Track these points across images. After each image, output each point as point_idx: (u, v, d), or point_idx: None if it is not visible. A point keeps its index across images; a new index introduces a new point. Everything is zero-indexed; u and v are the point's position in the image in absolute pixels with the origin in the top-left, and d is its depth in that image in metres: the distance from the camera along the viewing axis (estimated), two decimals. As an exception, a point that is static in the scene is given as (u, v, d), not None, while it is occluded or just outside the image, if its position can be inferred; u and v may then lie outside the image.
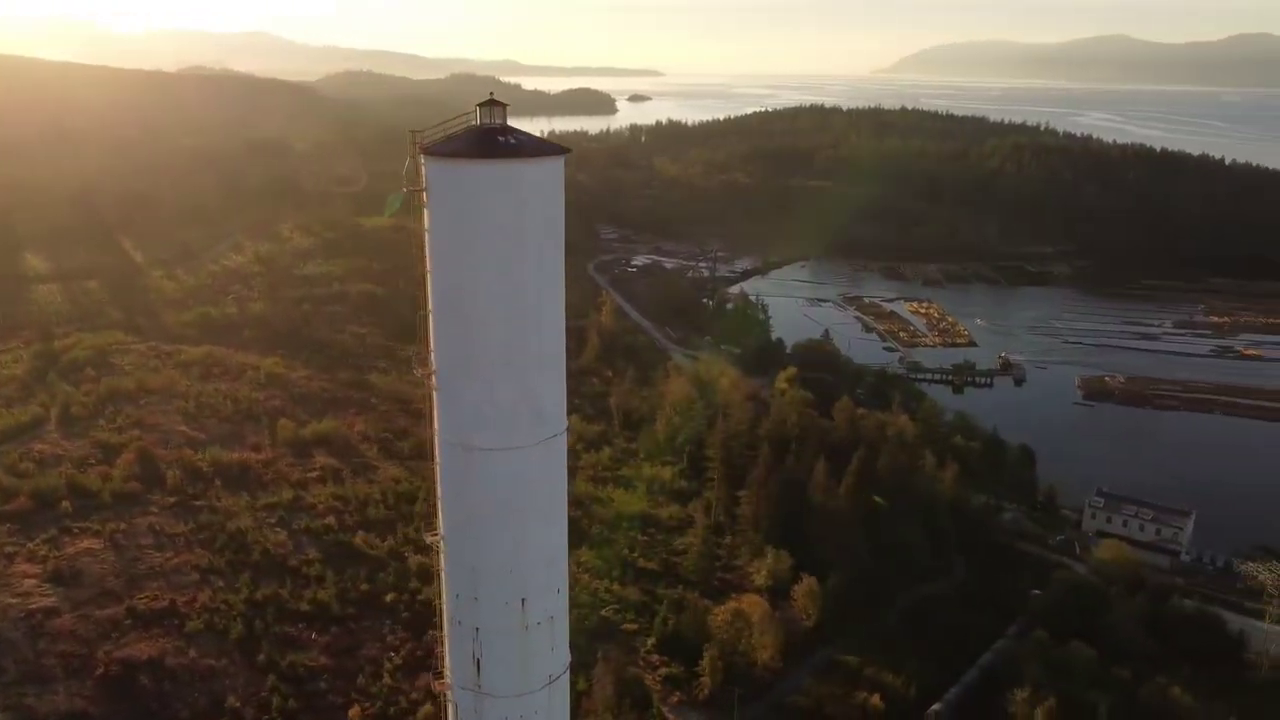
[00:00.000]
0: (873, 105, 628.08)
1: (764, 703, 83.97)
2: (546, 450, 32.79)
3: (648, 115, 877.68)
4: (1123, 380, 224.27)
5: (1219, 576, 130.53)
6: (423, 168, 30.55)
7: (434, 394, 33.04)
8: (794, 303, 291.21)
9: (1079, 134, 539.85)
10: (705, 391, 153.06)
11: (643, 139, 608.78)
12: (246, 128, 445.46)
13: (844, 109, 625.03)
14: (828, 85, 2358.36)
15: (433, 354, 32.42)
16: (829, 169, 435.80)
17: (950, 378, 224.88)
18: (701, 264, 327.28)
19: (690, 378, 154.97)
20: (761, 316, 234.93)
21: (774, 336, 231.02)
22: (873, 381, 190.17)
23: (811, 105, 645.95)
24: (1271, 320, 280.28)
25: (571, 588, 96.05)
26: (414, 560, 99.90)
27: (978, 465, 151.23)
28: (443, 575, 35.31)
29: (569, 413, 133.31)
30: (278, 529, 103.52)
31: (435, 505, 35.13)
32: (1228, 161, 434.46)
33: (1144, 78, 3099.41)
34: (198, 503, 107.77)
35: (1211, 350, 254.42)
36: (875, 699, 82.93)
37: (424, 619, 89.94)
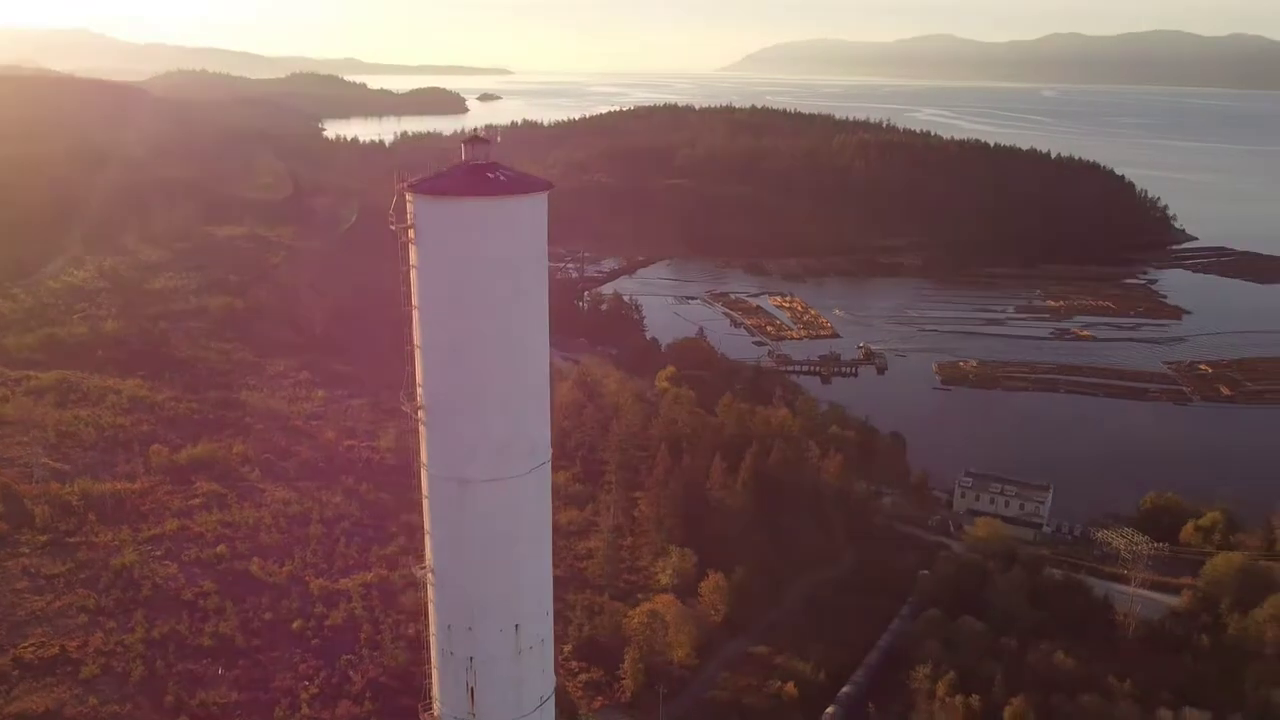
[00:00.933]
0: (724, 104, 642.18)
1: (685, 700, 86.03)
2: (537, 477, 33.35)
3: (500, 115, 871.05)
4: (975, 364, 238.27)
5: (1077, 545, 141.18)
6: (409, 205, 30.55)
7: (421, 429, 33.00)
8: (663, 301, 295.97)
9: (919, 130, 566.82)
10: (593, 394, 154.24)
11: (499, 139, 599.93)
12: (72, 132, 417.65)
13: (697, 108, 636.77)
14: (676, 83, 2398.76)
15: (420, 389, 32.36)
16: (687, 168, 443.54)
17: (818, 369, 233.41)
18: (569, 265, 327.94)
19: (577, 381, 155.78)
20: (636, 316, 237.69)
21: (648, 336, 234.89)
22: (749, 377, 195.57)
23: (665, 104, 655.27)
24: (1100, 303, 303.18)
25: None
26: (316, 584, 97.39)
27: (854, 453, 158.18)
28: (431, 608, 35.29)
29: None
30: (166, 561, 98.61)
31: (423, 538, 35.07)
32: (1054, 155, 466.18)
33: (970, 75, 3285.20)
34: (73, 539, 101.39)
35: (1051, 332, 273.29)
36: (789, 687, 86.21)
37: (335, 645, 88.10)
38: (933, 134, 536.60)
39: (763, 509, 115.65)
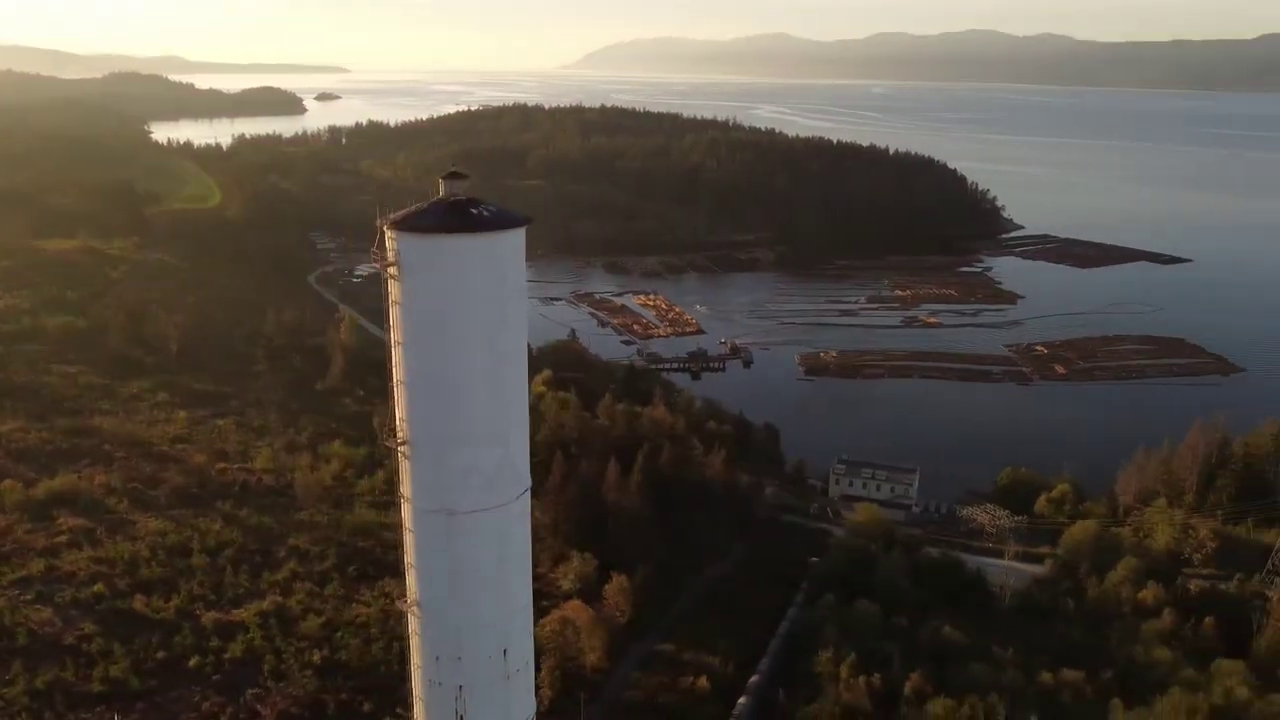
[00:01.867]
0: (575, 104, 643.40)
1: (601, 702, 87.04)
2: (521, 504, 33.89)
3: (341, 115, 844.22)
4: (835, 354, 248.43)
5: (945, 522, 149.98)
6: (392, 242, 30.57)
7: (404, 463, 32.95)
8: (529, 303, 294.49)
9: (763, 128, 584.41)
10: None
11: (344, 141, 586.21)
12: None
13: (546, 107, 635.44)
14: (521, 81, 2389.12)
15: (404, 424, 32.34)
16: (542, 169, 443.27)
17: (688, 365, 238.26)
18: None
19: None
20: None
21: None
22: (624, 377, 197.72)
23: (515, 104, 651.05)
24: (944, 291, 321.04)
25: (388, 620, 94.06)
26: (208, 618, 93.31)
27: (732, 447, 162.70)
28: (416, 641, 35.23)
29: (330, 439, 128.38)
30: (39, 606, 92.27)
31: (404, 573, 34.95)
32: (891, 150, 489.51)
33: (804, 72, 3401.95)
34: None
35: (901, 321, 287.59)
36: (701, 681, 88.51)
37: (237, 679, 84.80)
38: (777, 132, 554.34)
39: (657, 508, 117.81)
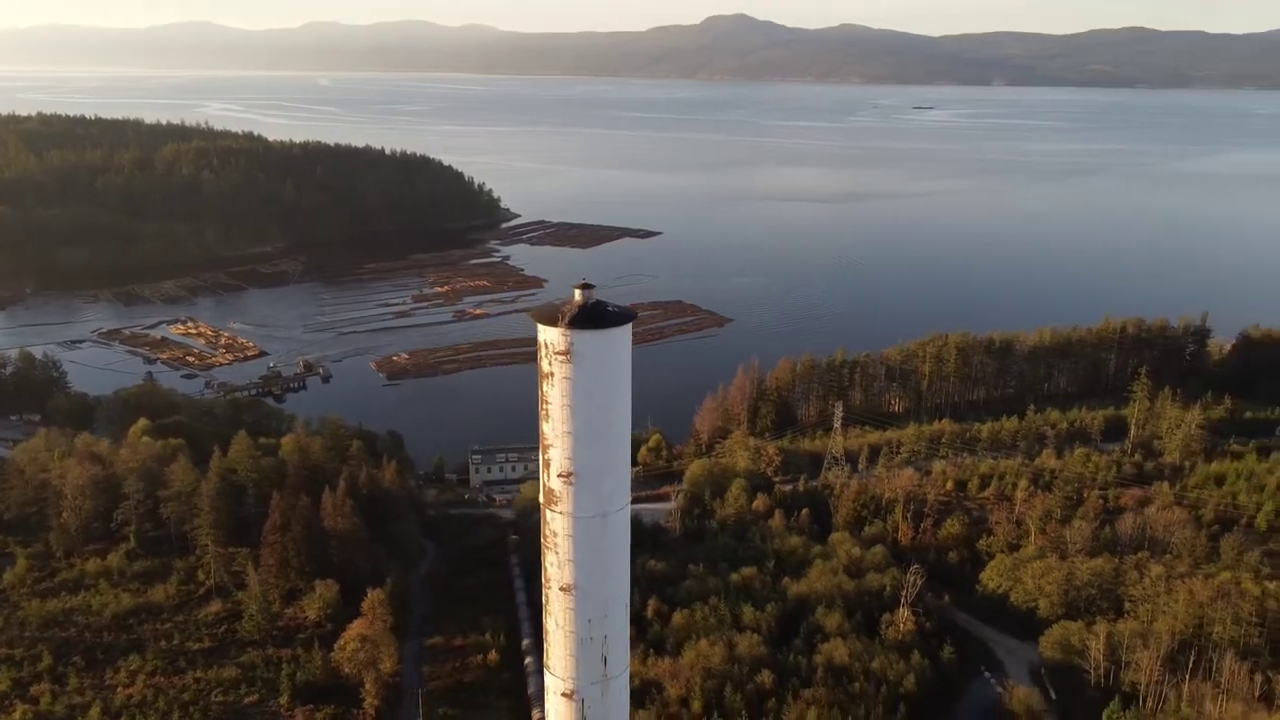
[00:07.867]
0: (6, 113, 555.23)
1: (416, 701, 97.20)
2: (628, 504, 49.34)
3: None
4: (408, 356, 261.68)
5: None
6: (566, 337, 44.22)
7: (569, 488, 46.52)
8: (45, 350, 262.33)
9: (238, 130, 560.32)
10: (107, 464, 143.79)
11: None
12: None
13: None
14: None
15: (570, 460, 46.00)
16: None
17: (267, 390, 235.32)
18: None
19: (85, 457, 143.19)
20: (55, 373, 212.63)
21: (73, 391, 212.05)
22: (229, 412, 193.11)
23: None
24: (478, 283, 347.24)
25: (166, 692, 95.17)
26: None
27: (367, 458, 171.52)
28: (569, 614, 48.75)
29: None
30: None
31: (558, 567, 48.28)
32: (387, 151, 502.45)
33: (234, 63, 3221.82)
34: None
35: (452, 316, 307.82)
36: (492, 655, 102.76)
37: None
38: (265, 136, 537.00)
39: (365, 524, 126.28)
